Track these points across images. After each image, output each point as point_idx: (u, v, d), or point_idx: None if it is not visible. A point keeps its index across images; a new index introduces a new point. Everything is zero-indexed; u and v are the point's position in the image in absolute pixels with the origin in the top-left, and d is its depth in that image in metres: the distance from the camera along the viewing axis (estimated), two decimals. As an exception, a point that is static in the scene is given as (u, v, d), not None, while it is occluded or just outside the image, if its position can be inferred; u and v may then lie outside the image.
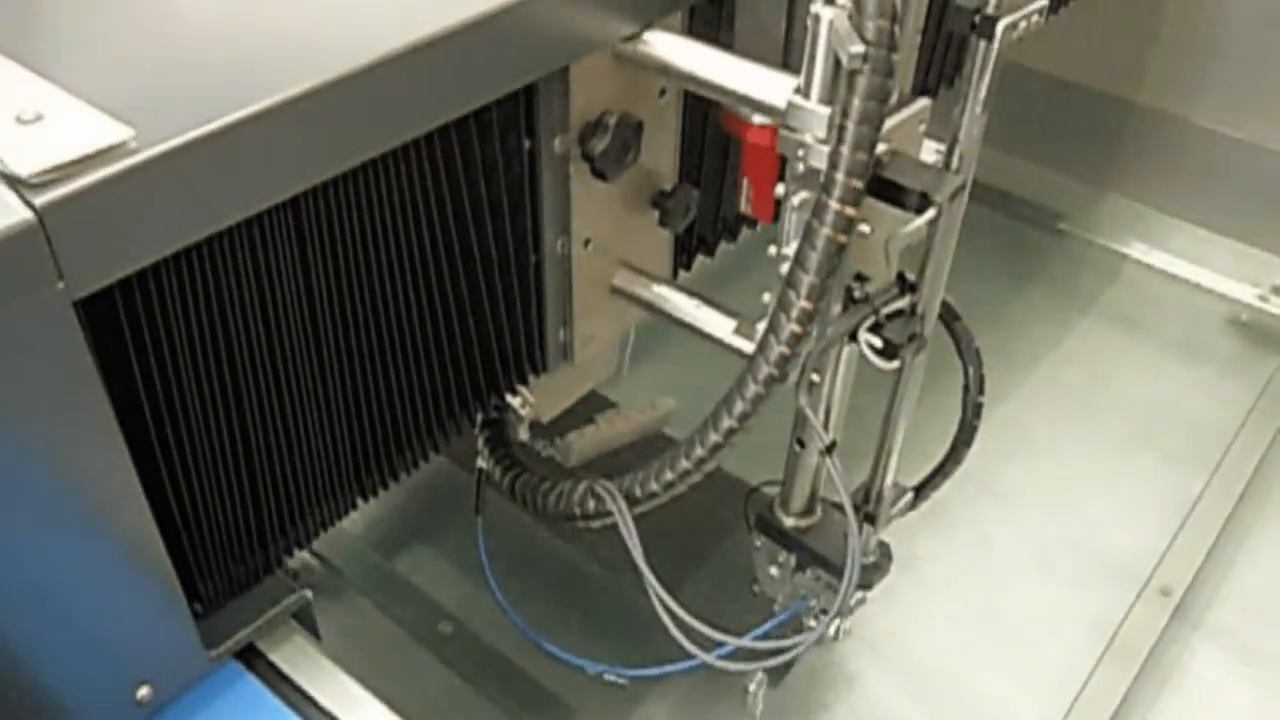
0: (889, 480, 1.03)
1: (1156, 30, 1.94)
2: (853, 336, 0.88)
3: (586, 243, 0.95)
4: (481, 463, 1.08)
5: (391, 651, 1.32)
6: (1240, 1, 1.84)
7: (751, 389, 0.83)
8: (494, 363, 0.94)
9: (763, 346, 0.82)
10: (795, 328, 0.81)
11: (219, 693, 0.84)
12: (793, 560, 1.13)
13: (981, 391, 0.97)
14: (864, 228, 0.84)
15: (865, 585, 1.09)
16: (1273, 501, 1.54)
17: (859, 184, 0.76)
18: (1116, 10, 1.93)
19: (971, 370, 0.96)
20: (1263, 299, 1.85)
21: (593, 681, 1.16)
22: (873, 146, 0.76)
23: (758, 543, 1.15)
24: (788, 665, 1.17)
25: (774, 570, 1.16)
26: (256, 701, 0.84)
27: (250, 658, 0.86)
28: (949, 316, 0.94)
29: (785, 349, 0.82)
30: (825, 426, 1.01)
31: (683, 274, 1.12)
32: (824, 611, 1.15)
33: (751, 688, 1.13)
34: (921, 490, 1.06)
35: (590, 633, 1.34)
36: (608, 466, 1.19)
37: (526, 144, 0.86)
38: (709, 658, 0.91)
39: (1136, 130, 2.02)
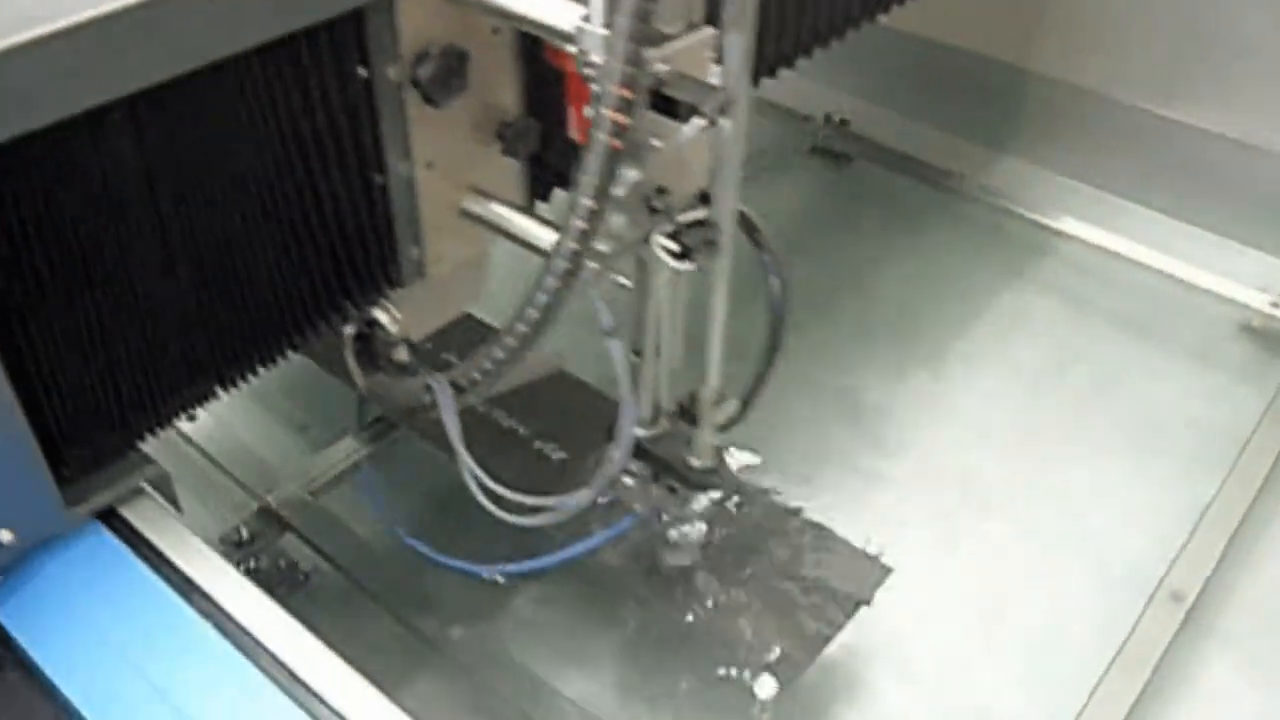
0: (712, 383, 1.12)
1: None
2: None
3: (429, 166, 1.06)
4: (354, 378, 1.19)
5: (402, 653, 1.33)
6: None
7: (550, 282, 0.94)
8: (345, 272, 1.05)
9: (558, 244, 0.93)
10: (581, 224, 0.91)
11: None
12: (647, 471, 1.23)
13: (786, 298, 1.07)
14: (656, 142, 0.95)
15: (700, 486, 1.18)
16: (1285, 507, 1.54)
17: (627, 93, 0.87)
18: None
19: (775, 280, 1.05)
20: (1275, 305, 1.83)
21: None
22: (638, 60, 0.86)
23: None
24: (795, 672, 1.19)
25: (629, 480, 1.25)
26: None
27: (111, 519, 0.97)
28: (748, 228, 1.04)
29: (575, 244, 0.92)
30: (657, 339, 1.11)
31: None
32: (677, 519, 1.25)
33: (762, 696, 1.16)
34: (748, 400, 1.15)
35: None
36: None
37: (362, 71, 0.97)
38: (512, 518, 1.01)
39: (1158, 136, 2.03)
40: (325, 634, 0.90)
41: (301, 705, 0.86)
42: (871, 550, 1.28)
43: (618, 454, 0.98)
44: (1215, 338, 1.84)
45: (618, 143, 0.88)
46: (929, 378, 1.75)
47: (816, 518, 1.33)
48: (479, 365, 1.00)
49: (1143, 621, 1.37)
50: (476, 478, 1.00)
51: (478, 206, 1.10)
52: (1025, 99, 2.16)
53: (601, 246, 0.94)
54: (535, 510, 1.01)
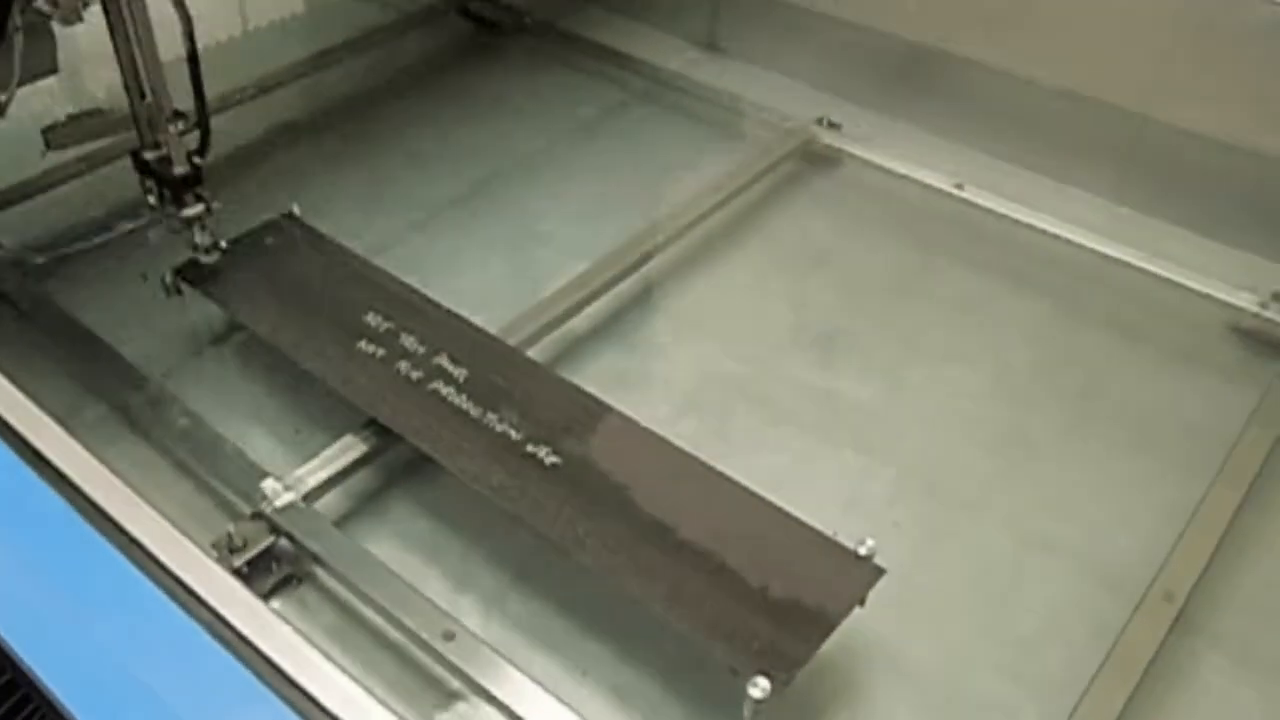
0: (161, 104, 1.53)
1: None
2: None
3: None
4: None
5: (397, 653, 1.35)
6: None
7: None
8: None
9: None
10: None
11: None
12: (164, 191, 1.61)
13: (191, 34, 1.46)
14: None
15: (185, 189, 1.58)
16: (1275, 506, 1.55)
17: None
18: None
19: (183, 24, 1.46)
20: (1264, 306, 1.83)
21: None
22: None
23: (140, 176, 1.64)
24: (789, 673, 1.20)
25: (152, 199, 1.65)
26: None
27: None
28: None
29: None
30: (136, 76, 1.51)
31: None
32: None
33: (756, 694, 1.17)
34: (202, 126, 1.58)
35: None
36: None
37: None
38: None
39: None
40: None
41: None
42: (863, 551, 1.30)
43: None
44: (1204, 338, 1.85)
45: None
46: (922, 378, 1.77)
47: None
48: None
49: (1134, 621, 1.38)
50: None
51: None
52: (1006, 101, 2.17)
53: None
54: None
